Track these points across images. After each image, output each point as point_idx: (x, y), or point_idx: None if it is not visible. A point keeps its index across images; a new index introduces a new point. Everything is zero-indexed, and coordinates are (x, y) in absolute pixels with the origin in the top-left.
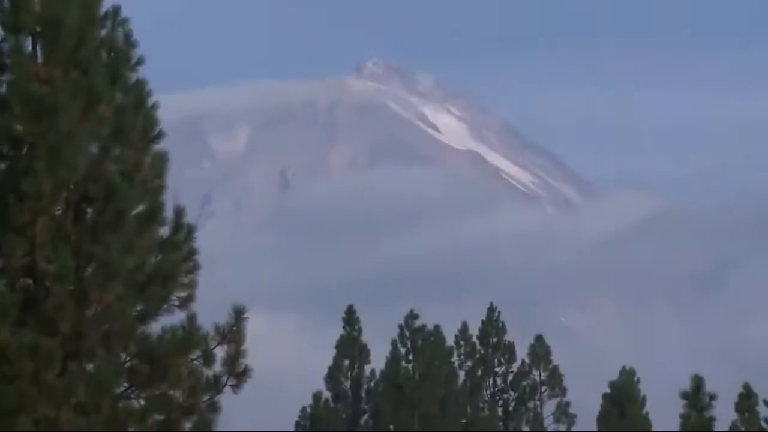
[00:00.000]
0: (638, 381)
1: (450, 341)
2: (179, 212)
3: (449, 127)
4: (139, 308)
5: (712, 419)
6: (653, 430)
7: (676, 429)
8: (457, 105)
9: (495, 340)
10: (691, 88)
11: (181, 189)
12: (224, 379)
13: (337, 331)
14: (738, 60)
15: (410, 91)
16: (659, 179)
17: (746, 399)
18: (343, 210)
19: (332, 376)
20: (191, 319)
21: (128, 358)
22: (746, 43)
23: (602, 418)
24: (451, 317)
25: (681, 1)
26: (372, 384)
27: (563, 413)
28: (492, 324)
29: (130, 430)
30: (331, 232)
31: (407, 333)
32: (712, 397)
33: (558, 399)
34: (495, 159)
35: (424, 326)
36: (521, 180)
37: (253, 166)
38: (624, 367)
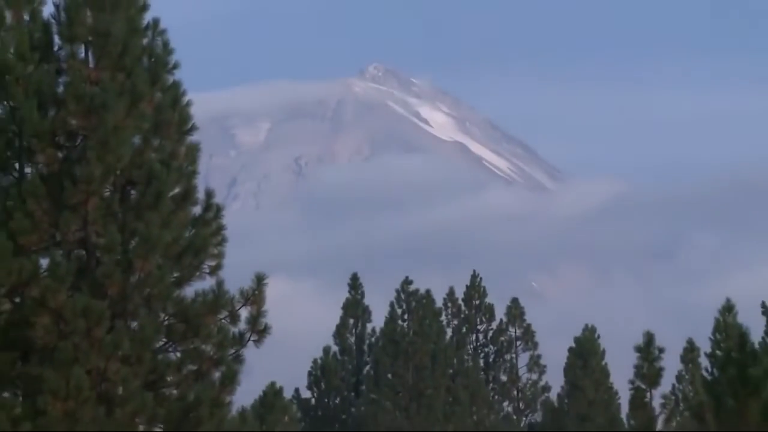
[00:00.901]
0: (598, 337)
1: (439, 303)
2: (209, 194)
3: (438, 122)
4: (175, 275)
5: (660, 369)
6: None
7: (630, 377)
8: (446, 103)
9: (477, 302)
10: (647, 89)
11: (210, 174)
12: (247, 335)
13: (345, 294)
14: (689, 64)
15: (405, 92)
16: (620, 167)
17: (690, 352)
18: (349, 192)
19: (339, 333)
20: (219, 284)
21: (166, 318)
22: (704, 48)
23: (568, 369)
24: (440, 283)
25: (642, 10)
26: (373, 339)
27: (535, 364)
28: (475, 288)
29: (168, 378)
30: (339, 210)
31: (403, 296)
32: (661, 350)
33: (530, 352)
34: (477, 149)
35: (417, 290)
36: (500, 167)
37: (271, 154)
38: (586, 325)
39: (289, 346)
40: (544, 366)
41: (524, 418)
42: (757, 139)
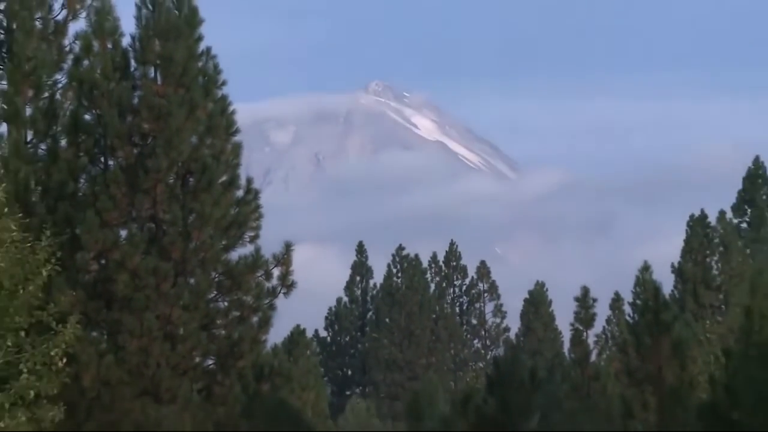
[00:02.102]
0: (547, 290)
1: (425, 264)
2: (249, 181)
3: (425, 126)
4: (223, 243)
5: (594, 314)
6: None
7: (571, 321)
8: (431, 111)
9: (454, 264)
10: (587, 97)
11: (250, 166)
12: (279, 289)
13: (353, 258)
14: (622, 76)
15: (400, 103)
16: (566, 159)
17: (616, 301)
18: (357, 180)
19: (349, 287)
20: (257, 250)
21: (216, 275)
22: (635, 63)
23: (523, 314)
24: (426, 249)
25: (585, 33)
26: (374, 292)
27: (498, 311)
28: (452, 253)
29: (217, 321)
30: (349, 195)
31: (397, 259)
32: (595, 300)
33: (495, 302)
34: (455, 147)
35: (408, 255)
36: (472, 161)
37: (297, 151)
38: (538, 281)
39: (310, 297)
40: (505, 312)
41: (490, 352)
42: (674, 135)
